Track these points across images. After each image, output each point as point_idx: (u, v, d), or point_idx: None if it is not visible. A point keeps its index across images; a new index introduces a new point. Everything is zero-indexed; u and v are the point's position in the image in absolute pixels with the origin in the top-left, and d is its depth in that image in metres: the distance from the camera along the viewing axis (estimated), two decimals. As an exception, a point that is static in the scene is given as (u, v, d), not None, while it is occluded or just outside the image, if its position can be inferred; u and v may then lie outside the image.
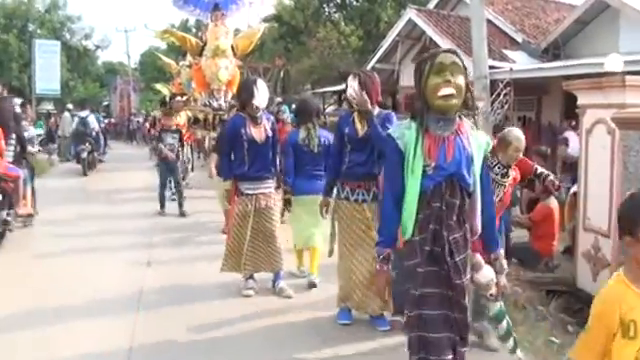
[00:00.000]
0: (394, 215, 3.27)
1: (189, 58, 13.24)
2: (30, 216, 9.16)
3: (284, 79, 16.09)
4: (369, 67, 19.03)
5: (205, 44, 11.69)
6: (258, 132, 5.85)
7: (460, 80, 3.16)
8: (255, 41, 12.71)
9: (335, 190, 5.33)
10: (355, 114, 5.16)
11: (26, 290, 6.14)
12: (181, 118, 12.25)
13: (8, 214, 7.95)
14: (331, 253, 5.41)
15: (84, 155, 16.30)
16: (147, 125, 24.82)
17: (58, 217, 9.93)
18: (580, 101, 6.87)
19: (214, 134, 11.25)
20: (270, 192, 5.99)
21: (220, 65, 11.29)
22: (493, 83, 13.24)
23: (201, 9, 12.78)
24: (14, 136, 8.70)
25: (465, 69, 3.23)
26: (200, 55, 11.69)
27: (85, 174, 16.19)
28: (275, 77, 16.18)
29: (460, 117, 3.29)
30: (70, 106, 22.11)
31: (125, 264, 7.23)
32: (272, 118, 6.31)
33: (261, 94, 5.80)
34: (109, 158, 21.06)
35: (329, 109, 25.01)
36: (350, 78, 5.19)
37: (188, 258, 7.58)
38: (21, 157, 9.00)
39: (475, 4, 12.94)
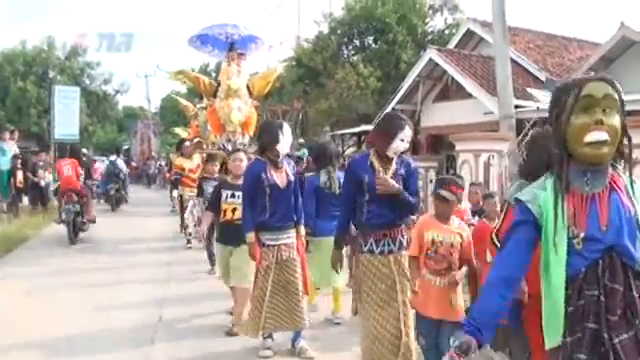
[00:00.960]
0: (499, 303, 2.43)
1: (205, 100, 12.84)
2: (93, 221, 12.65)
3: (303, 121, 15.79)
4: (390, 108, 18.78)
5: (219, 85, 11.28)
6: (280, 177, 5.44)
7: (615, 120, 2.33)
8: (272, 81, 12.20)
9: (358, 243, 4.83)
10: (374, 158, 4.72)
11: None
12: (192, 162, 12.08)
13: (83, 220, 12.18)
14: (355, 312, 4.89)
15: (112, 192, 18.65)
16: (166, 169, 24.70)
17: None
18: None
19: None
20: (292, 242, 5.53)
21: (232, 106, 10.82)
22: (519, 123, 12.83)
23: (219, 49, 12.29)
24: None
25: (622, 103, 2.38)
26: (214, 96, 11.25)
27: (113, 210, 18.35)
28: (294, 119, 15.90)
29: (613, 166, 2.43)
30: (85, 151, 21.83)
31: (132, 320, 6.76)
32: (292, 163, 5.93)
33: (286, 139, 5.45)
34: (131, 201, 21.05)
35: (348, 151, 24.73)
36: (409, 131, 4.69)
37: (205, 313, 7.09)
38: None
39: (499, 42, 12.63)
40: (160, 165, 33.27)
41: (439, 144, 19.14)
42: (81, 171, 12.49)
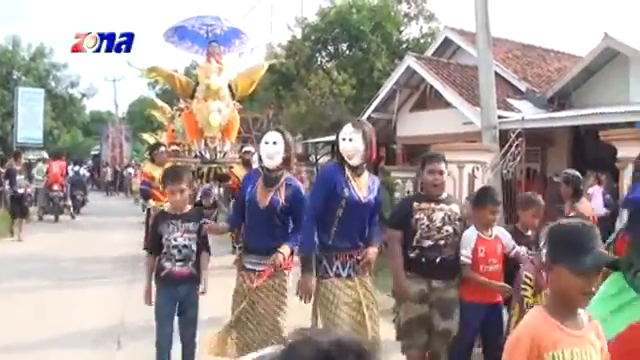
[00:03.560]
0: None
1: (182, 101, 11.74)
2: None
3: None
4: (365, 116, 18.31)
5: (197, 84, 10.17)
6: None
7: None
8: (258, 80, 11.06)
9: (322, 266, 4.38)
10: (348, 172, 4.34)
11: None
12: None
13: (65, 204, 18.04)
14: None
15: (78, 197, 20.98)
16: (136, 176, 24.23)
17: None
18: (621, 153, 6.04)
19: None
20: None
21: (211, 108, 9.75)
22: (502, 134, 12.44)
23: (199, 45, 11.18)
24: None
25: None
26: (192, 97, 10.16)
27: (78, 212, 20.30)
28: (266, 127, 15.21)
29: None
30: (32, 156, 21.68)
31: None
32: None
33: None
34: (90, 211, 21.63)
35: (322, 160, 24.22)
36: (349, 129, 4.34)
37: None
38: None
39: (483, 49, 12.25)
40: (129, 173, 32.53)
41: (415, 154, 18.70)
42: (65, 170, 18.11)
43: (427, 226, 4.38)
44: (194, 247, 4.66)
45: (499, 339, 4.61)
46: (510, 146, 11.80)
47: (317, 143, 24.71)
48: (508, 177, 11.51)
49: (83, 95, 47.04)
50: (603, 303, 3.12)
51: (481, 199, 4.83)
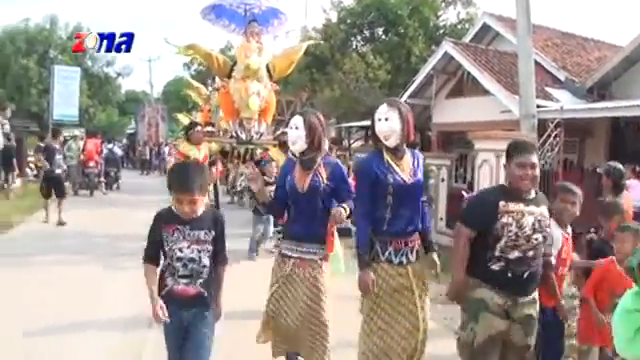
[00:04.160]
0: None
1: (218, 80, 11.48)
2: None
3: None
4: (401, 102, 18.14)
5: (235, 64, 9.88)
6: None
7: None
8: (297, 61, 10.74)
9: (374, 251, 4.18)
10: (387, 156, 4.15)
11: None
12: (199, 152, 10.14)
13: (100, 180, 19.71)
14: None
15: (112, 174, 22.40)
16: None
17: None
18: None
19: (246, 170, 10.10)
20: None
21: (251, 90, 9.45)
22: (540, 123, 12.20)
23: (237, 25, 10.94)
24: None
25: None
26: (229, 77, 9.87)
27: (111, 188, 21.82)
28: (300, 108, 15.10)
29: None
30: (66, 134, 21.79)
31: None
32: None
33: None
34: (124, 189, 22.59)
35: (354, 144, 24.09)
36: (384, 108, 4.15)
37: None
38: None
39: (522, 36, 11.97)
40: (163, 151, 32.76)
41: (451, 142, 18.52)
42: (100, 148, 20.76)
43: (515, 234, 3.79)
44: (205, 261, 3.71)
45: (559, 343, 4.51)
46: (549, 136, 11.57)
47: (350, 128, 24.61)
48: (546, 168, 11.29)
49: (118, 74, 47.28)
50: (627, 320, 2.86)
51: (564, 191, 4.45)
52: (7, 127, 16.15)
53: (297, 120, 4.44)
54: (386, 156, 4.14)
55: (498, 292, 3.85)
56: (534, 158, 3.88)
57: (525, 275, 3.84)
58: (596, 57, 19.03)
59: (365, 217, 4.13)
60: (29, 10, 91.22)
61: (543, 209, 3.94)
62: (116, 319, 6.32)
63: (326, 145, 5.03)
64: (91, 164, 19.36)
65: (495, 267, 3.84)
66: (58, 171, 13.43)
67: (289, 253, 4.46)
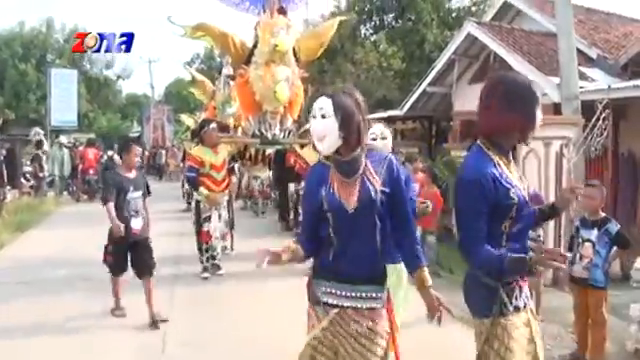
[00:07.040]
0: None
1: (225, 68, 9.84)
2: None
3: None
4: (420, 90, 17.05)
5: (255, 46, 8.25)
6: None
7: None
8: (327, 42, 9.30)
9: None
10: (494, 154, 3.00)
11: None
12: (217, 156, 7.98)
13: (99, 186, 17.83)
14: None
15: None
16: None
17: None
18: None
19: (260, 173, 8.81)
20: None
21: (279, 76, 7.80)
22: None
23: (252, 2, 9.37)
24: None
25: None
26: (247, 63, 8.25)
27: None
28: (306, 104, 13.80)
29: None
30: (63, 139, 21.09)
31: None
32: None
33: None
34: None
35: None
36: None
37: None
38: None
39: (561, 10, 10.79)
40: (160, 154, 31.76)
41: (474, 131, 17.29)
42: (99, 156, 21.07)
43: None
44: None
45: None
46: (597, 119, 10.34)
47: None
48: (595, 154, 10.09)
49: (118, 77, 46.41)
50: None
51: None
52: None
53: (324, 104, 2.94)
54: (495, 157, 2.99)
55: None
56: None
57: None
58: (622, 33, 17.84)
59: (480, 243, 2.80)
60: (24, 14, 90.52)
61: None
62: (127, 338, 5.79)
63: (368, 136, 3.32)
64: (91, 172, 20.42)
65: None
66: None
67: (335, 301, 3.02)
